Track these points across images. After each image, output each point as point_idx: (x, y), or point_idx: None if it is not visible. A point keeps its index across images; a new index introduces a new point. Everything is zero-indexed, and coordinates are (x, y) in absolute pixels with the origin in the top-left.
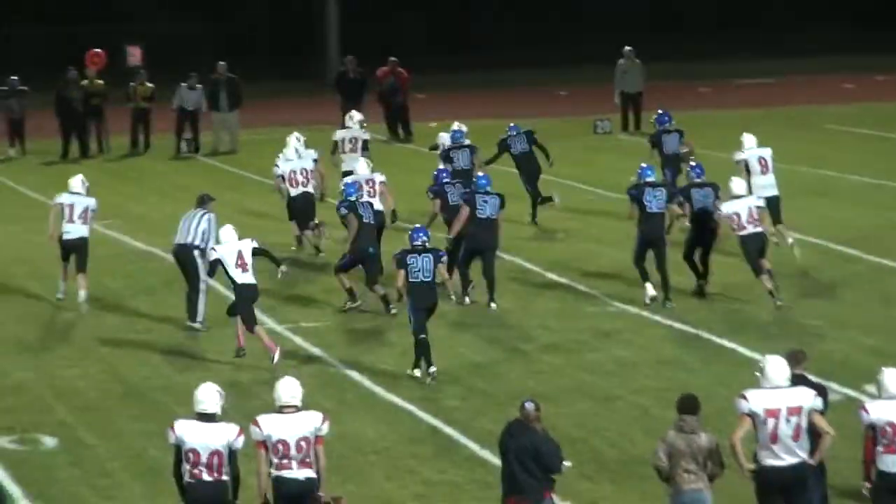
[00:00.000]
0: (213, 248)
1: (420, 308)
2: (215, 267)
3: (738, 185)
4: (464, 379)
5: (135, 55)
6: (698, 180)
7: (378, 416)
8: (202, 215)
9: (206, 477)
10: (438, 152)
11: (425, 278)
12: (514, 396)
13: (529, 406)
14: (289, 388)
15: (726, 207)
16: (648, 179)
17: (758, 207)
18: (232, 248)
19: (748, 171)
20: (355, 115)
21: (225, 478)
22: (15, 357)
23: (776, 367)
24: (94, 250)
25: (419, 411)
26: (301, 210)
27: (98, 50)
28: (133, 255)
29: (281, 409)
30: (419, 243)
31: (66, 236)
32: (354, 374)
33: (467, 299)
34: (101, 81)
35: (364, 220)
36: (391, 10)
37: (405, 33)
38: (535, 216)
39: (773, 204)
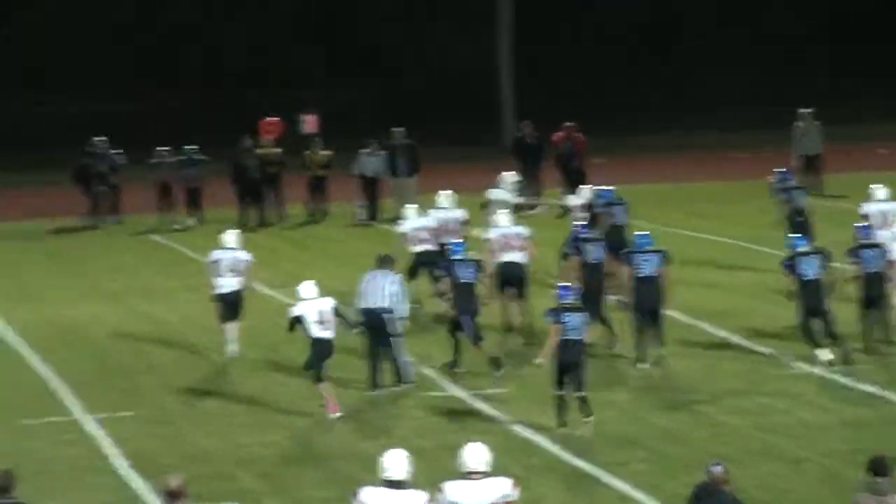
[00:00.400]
0: (293, 307)
1: (566, 363)
2: (294, 324)
3: None
4: (649, 443)
5: (310, 123)
6: (867, 241)
7: (565, 481)
8: (390, 277)
9: None
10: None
11: (575, 336)
12: (701, 459)
13: (717, 469)
14: (476, 454)
15: None
16: (801, 249)
17: None
18: (313, 305)
19: None
20: (506, 177)
21: None
22: (199, 425)
23: None
24: (273, 318)
25: (606, 476)
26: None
27: (273, 118)
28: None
29: (468, 475)
30: (569, 301)
31: (219, 290)
32: (540, 440)
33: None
34: (277, 149)
35: (461, 280)
36: (561, 77)
37: (581, 98)
38: None
39: None
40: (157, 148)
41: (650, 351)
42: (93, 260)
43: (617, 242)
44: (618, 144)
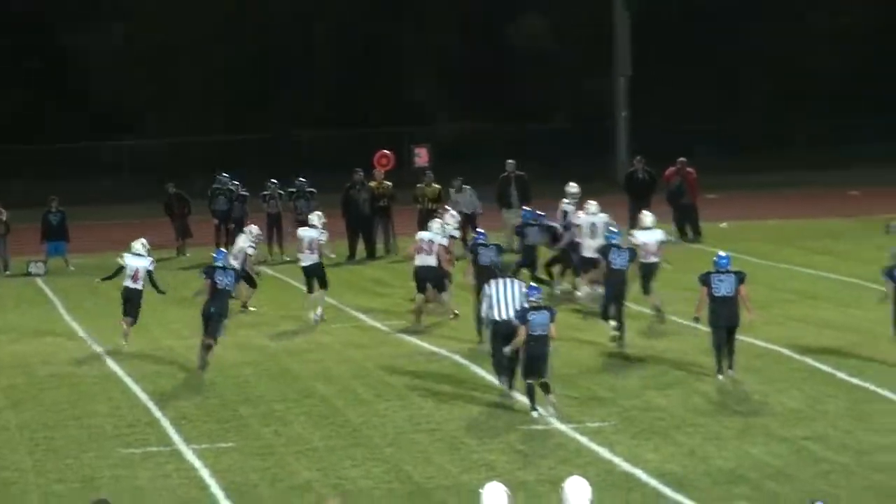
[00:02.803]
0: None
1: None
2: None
3: None
4: (752, 479)
5: (422, 156)
6: None
7: None
8: (517, 285)
9: None
10: None
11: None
12: (805, 497)
13: None
14: (578, 488)
15: None
16: None
17: None
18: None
19: None
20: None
21: None
22: (299, 457)
23: None
24: (380, 349)
25: None
26: None
27: (386, 151)
28: (418, 355)
29: None
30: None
31: (301, 263)
32: (640, 474)
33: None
34: (388, 183)
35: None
36: (680, 113)
37: (694, 135)
38: None
39: None
40: (269, 181)
41: (724, 370)
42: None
43: None
44: (731, 181)
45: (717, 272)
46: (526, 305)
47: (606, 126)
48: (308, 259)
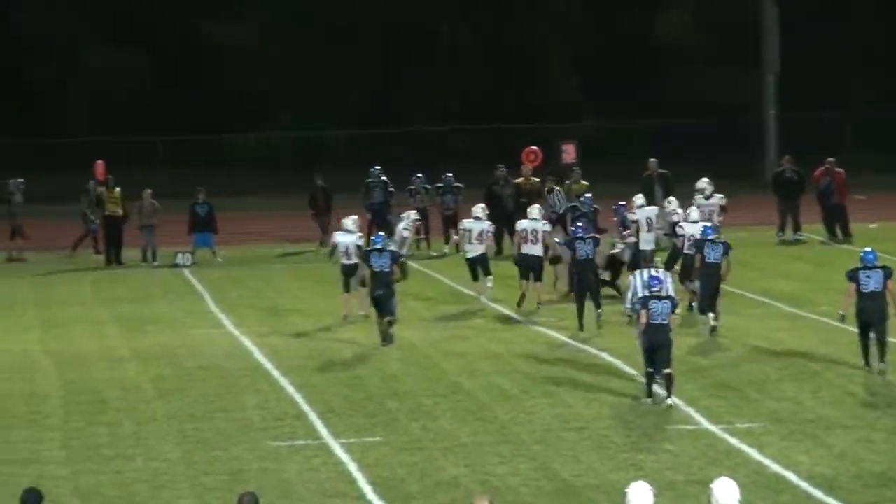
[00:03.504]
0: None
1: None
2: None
3: None
4: None
5: (569, 152)
6: None
7: None
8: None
9: None
10: None
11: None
12: None
13: None
14: (727, 490)
15: None
16: None
17: None
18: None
19: None
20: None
21: None
22: (447, 453)
23: None
24: (527, 347)
25: None
26: None
27: (534, 147)
28: (565, 351)
29: None
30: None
31: (468, 255)
32: (791, 476)
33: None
34: (536, 179)
35: None
36: (824, 110)
37: (840, 133)
38: None
39: None
40: (415, 175)
41: (873, 364)
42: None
43: None
44: (881, 181)
45: (865, 268)
46: (647, 294)
47: (753, 124)
48: (475, 250)
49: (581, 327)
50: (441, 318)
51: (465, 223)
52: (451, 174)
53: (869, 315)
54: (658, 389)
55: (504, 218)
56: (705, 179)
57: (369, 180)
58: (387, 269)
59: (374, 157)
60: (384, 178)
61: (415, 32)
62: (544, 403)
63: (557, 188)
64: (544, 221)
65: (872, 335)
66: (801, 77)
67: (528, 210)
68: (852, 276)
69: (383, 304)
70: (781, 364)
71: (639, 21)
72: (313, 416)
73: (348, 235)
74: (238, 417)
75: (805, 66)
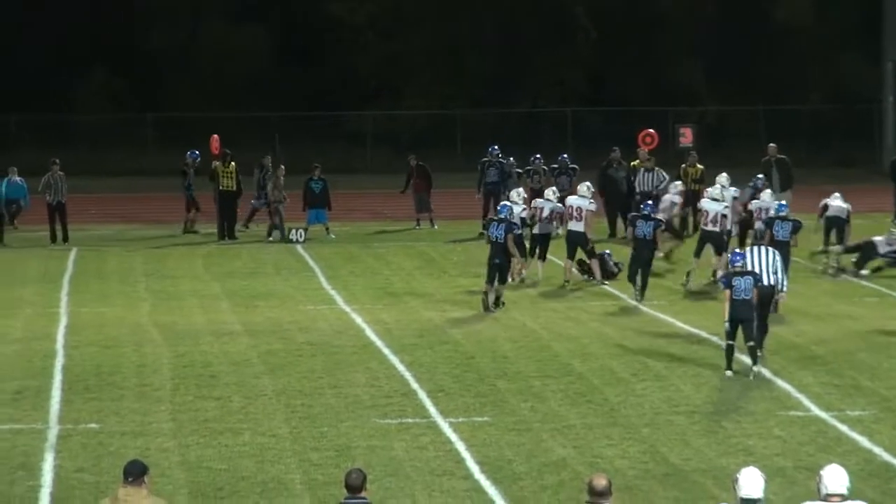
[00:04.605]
0: None
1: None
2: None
3: None
4: None
5: (686, 136)
6: None
7: None
8: (768, 251)
9: None
10: None
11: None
12: None
13: None
14: (836, 476)
15: None
16: None
17: None
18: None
19: None
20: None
21: None
22: (556, 434)
23: None
24: (639, 330)
25: None
26: None
27: (650, 130)
28: (677, 336)
29: (826, 498)
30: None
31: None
32: None
33: None
34: (649, 161)
35: None
36: None
37: None
38: None
39: None
40: (534, 156)
41: None
42: (457, 264)
43: None
44: None
45: None
46: (730, 270)
47: (871, 110)
48: (545, 229)
49: (639, 296)
50: (553, 299)
51: (570, 199)
52: (566, 155)
53: None
54: (746, 359)
55: (618, 199)
56: (724, 175)
57: (485, 159)
58: (500, 240)
59: (493, 137)
60: (501, 158)
61: (540, 9)
62: (655, 387)
63: (657, 168)
64: (591, 200)
65: None
66: None
67: (578, 187)
68: None
69: (492, 272)
70: (894, 352)
71: (759, 4)
72: (422, 395)
73: (515, 207)
74: (347, 394)
75: None
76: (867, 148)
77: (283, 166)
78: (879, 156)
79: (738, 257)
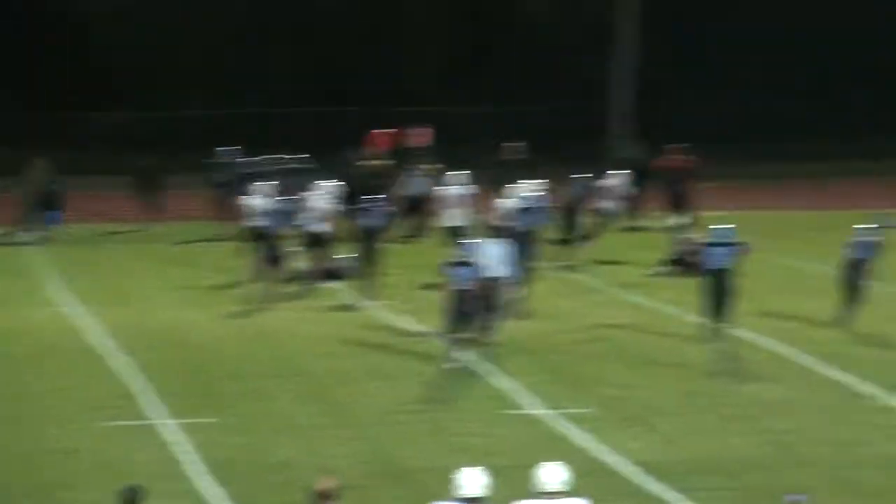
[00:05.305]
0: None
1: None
2: None
3: None
4: (731, 470)
5: (422, 136)
6: None
7: None
8: (501, 244)
9: None
10: None
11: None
12: (782, 490)
13: (798, 498)
14: (553, 473)
15: None
16: None
17: None
18: None
19: None
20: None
21: None
22: (280, 434)
23: None
24: (369, 330)
25: (685, 502)
26: None
27: (385, 130)
28: (407, 336)
29: (544, 495)
30: None
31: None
32: (621, 462)
33: None
34: (386, 162)
35: None
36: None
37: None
38: None
39: None
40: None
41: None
42: (193, 264)
43: None
44: (734, 169)
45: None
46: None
47: (603, 109)
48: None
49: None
50: (285, 300)
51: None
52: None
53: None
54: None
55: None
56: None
57: (215, 160)
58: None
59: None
60: (232, 158)
61: (284, 5)
62: (384, 386)
63: (415, 168)
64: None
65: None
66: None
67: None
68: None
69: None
70: (617, 351)
71: (500, 4)
72: (151, 397)
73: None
74: (74, 397)
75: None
76: (599, 146)
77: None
78: (611, 154)
79: (465, 248)
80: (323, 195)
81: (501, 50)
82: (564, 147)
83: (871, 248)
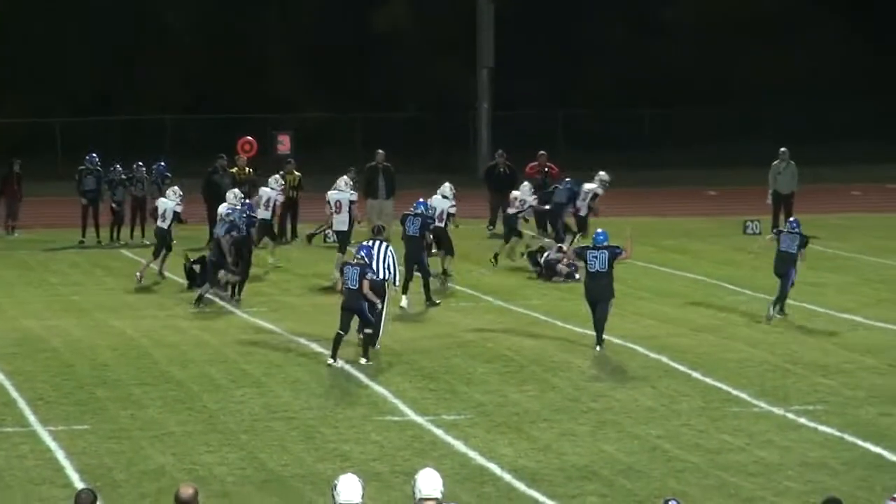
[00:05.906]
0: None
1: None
2: None
3: None
4: (605, 476)
5: (284, 143)
6: None
7: None
8: (387, 247)
9: None
10: None
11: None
12: (657, 495)
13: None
14: (430, 480)
15: None
16: None
17: None
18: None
19: None
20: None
21: None
22: (155, 441)
23: None
24: (239, 337)
25: None
26: None
27: (249, 137)
28: (278, 340)
29: (421, 502)
30: None
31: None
32: (494, 468)
33: None
34: (251, 169)
35: None
36: (541, 108)
37: (558, 129)
38: None
39: None
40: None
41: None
42: (58, 273)
43: None
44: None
45: (594, 248)
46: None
47: (468, 117)
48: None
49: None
50: (154, 308)
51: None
52: (163, 164)
53: (594, 294)
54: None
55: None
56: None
57: (82, 167)
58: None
59: (92, 145)
60: (99, 167)
61: (140, 19)
62: (253, 393)
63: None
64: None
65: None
66: (515, 71)
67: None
68: (580, 253)
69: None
70: (489, 357)
71: (358, 12)
72: (22, 404)
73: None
74: None
75: (524, 63)
76: (464, 155)
77: None
78: (475, 162)
79: (362, 249)
80: (176, 199)
81: (365, 56)
82: (430, 155)
83: None
